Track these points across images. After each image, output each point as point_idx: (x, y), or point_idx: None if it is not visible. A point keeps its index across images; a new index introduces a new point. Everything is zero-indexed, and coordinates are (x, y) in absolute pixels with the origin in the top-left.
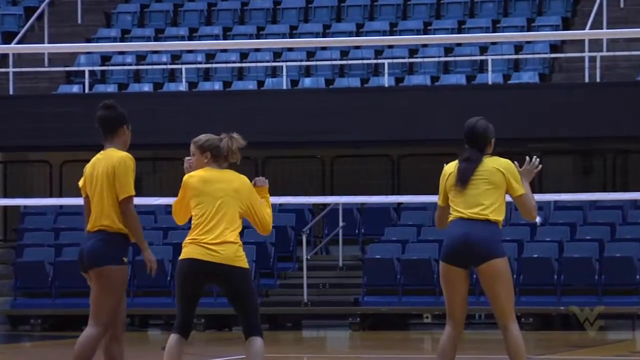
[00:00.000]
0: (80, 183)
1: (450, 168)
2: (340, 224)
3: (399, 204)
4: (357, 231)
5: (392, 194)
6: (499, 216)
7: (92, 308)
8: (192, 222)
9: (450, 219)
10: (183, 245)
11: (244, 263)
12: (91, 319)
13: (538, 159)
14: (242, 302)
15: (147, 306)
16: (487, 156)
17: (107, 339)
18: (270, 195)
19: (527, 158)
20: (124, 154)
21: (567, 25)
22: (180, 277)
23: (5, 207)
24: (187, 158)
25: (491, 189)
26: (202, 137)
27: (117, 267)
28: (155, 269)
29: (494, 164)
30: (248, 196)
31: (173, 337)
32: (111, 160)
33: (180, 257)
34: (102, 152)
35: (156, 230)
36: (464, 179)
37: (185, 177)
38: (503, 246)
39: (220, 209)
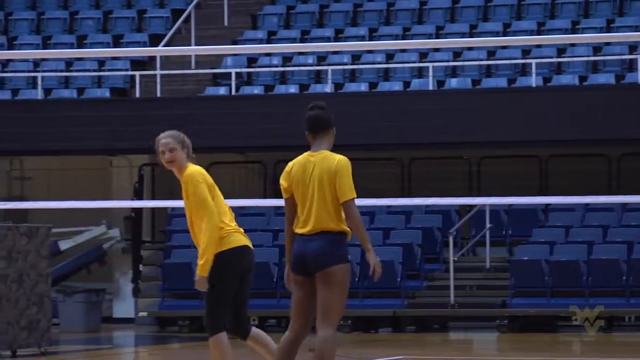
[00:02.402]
0: (285, 184)
1: None
2: (487, 225)
3: (547, 205)
4: (504, 232)
5: (540, 194)
6: None
7: (323, 310)
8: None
9: None
10: (227, 234)
11: None
12: (323, 322)
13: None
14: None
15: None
16: None
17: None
18: (417, 196)
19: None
20: (342, 157)
21: None
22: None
23: (153, 209)
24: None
25: None
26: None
27: (346, 265)
28: (380, 273)
29: None
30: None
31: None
32: (331, 163)
33: (237, 245)
34: (311, 153)
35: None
36: None
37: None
38: None
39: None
